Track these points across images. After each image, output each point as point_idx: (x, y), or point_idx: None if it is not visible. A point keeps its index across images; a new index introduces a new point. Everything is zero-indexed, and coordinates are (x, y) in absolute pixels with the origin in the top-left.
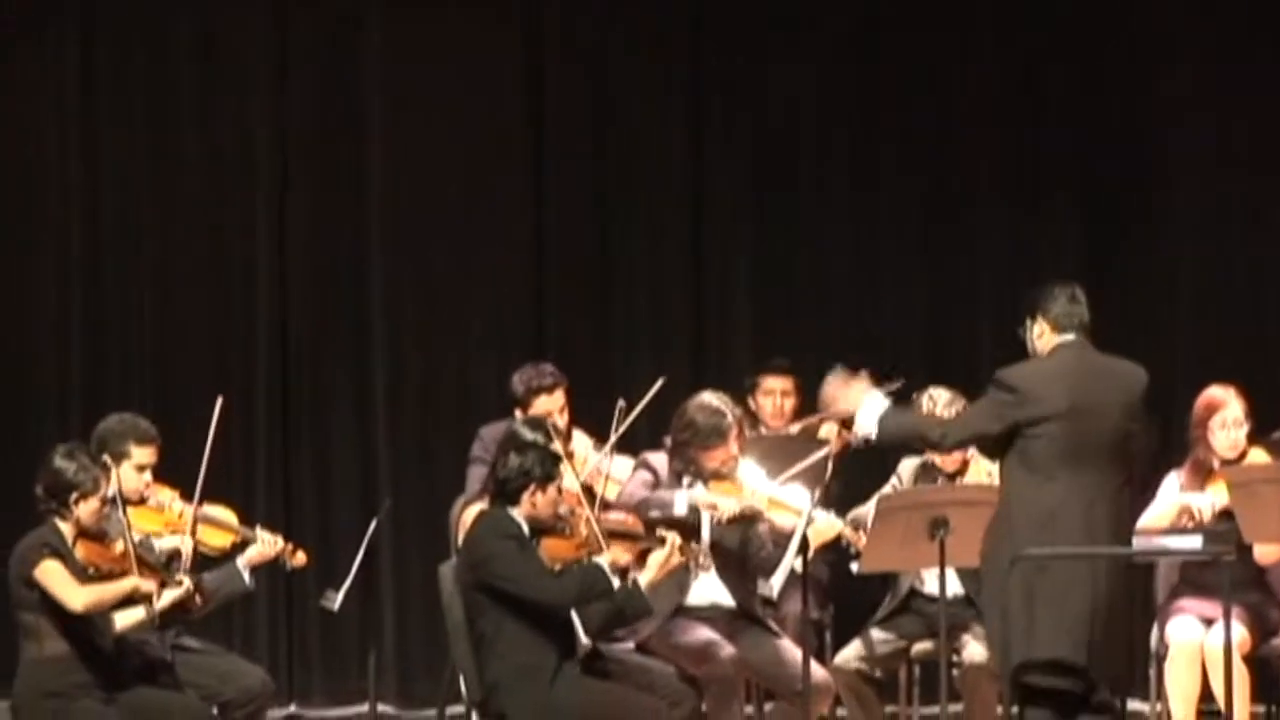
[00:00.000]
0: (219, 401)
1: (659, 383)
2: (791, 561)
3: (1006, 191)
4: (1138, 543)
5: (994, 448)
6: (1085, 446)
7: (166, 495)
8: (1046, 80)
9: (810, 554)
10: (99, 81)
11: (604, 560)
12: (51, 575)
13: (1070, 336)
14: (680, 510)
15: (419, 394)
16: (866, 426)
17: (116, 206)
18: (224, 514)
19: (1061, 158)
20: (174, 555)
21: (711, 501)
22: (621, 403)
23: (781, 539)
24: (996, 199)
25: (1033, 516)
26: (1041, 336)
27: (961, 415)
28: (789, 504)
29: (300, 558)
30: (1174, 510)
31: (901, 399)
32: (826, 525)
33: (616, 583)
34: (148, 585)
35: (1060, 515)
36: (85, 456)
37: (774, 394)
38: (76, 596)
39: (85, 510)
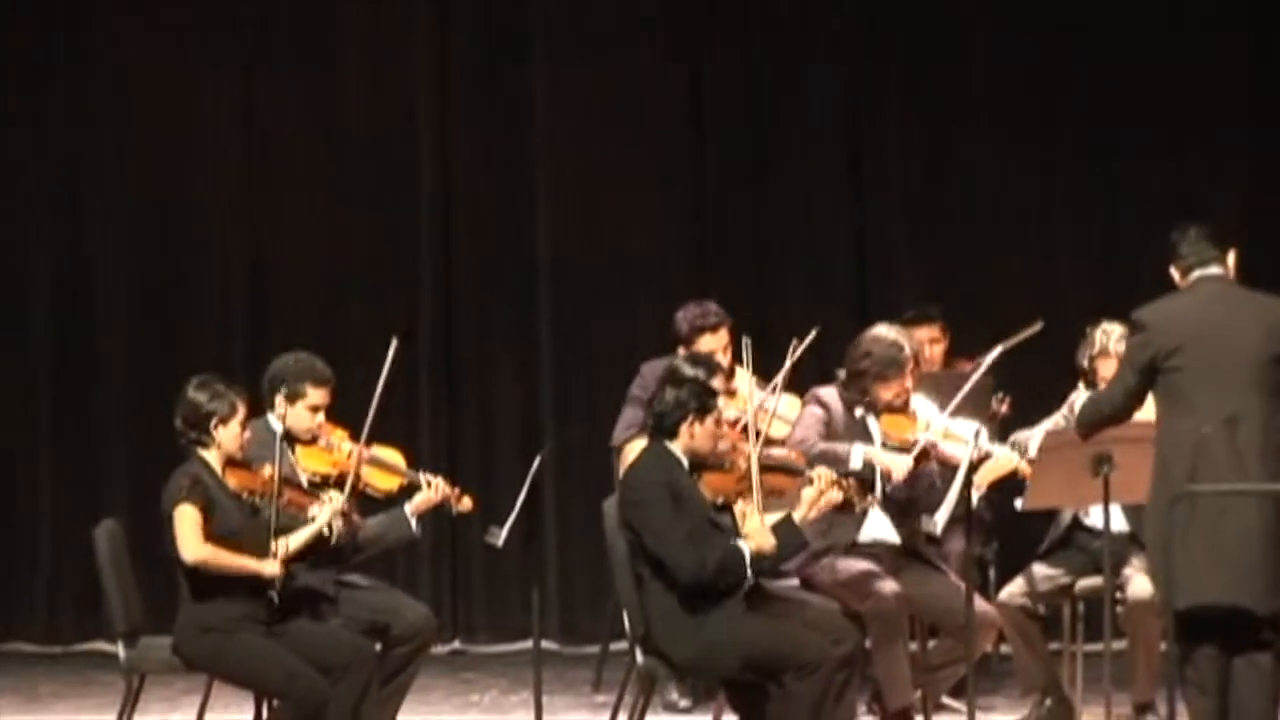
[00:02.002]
0: (393, 344)
1: (814, 332)
2: (956, 498)
3: (1171, 131)
4: None
5: (1150, 388)
6: (1222, 374)
7: (337, 436)
8: (1209, 19)
9: (984, 489)
10: (258, 21)
11: (748, 548)
12: (183, 519)
13: (1211, 270)
14: (855, 465)
15: (582, 330)
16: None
17: (279, 149)
18: (392, 456)
19: (1227, 94)
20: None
21: (887, 465)
22: (794, 342)
23: (953, 473)
24: (1160, 139)
25: (1179, 448)
26: (1182, 276)
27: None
28: (962, 435)
29: (466, 503)
30: None
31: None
32: (1005, 459)
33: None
34: (271, 570)
35: (1204, 445)
36: (219, 384)
37: (922, 344)
38: (192, 549)
39: (226, 435)
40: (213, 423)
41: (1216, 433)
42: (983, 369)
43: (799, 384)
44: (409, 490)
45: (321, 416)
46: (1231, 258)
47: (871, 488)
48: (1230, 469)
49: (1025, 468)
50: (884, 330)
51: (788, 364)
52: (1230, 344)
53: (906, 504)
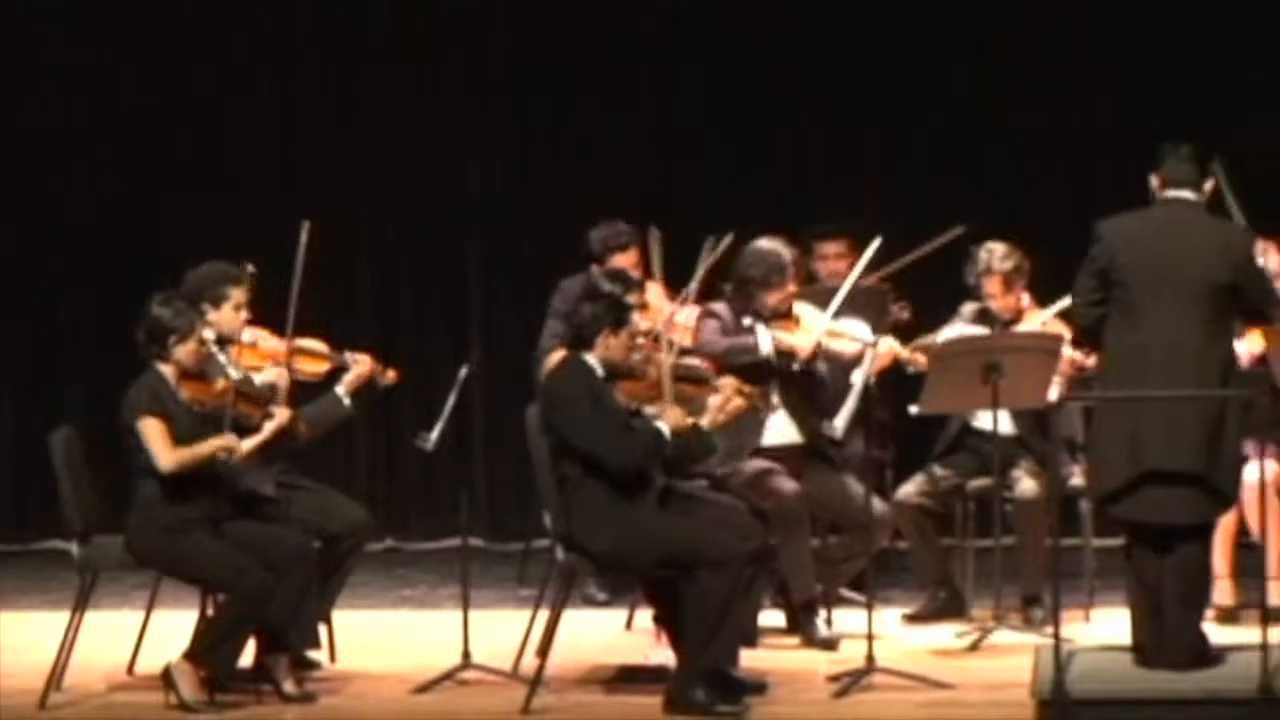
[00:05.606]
0: (304, 227)
1: (727, 238)
2: (855, 405)
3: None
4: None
5: (1103, 298)
6: (1169, 294)
7: (263, 334)
8: None
9: (873, 379)
10: None
11: (665, 425)
12: (150, 432)
13: (1183, 194)
14: (766, 349)
15: (508, 250)
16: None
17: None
18: (316, 344)
19: None
20: (273, 387)
21: (790, 345)
22: (709, 240)
23: (842, 368)
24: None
25: (1124, 358)
26: (1161, 187)
27: None
28: (848, 333)
29: (391, 374)
30: None
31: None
32: (884, 348)
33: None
34: (232, 442)
35: (1147, 353)
36: (181, 302)
37: (828, 258)
38: (166, 458)
39: (184, 352)
40: (172, 339)
41: (1156, 345)
42: (861, 266)
43: (714, 294)
44: (337, 373)
45: (245, 313)
46: (1209, 185)
47: (775, 375)
48: (1167, 379)
49: (905, 353)
50: (765, 242)
51: (699, 272)
52: (1182, 267)
53: (806, 403)
